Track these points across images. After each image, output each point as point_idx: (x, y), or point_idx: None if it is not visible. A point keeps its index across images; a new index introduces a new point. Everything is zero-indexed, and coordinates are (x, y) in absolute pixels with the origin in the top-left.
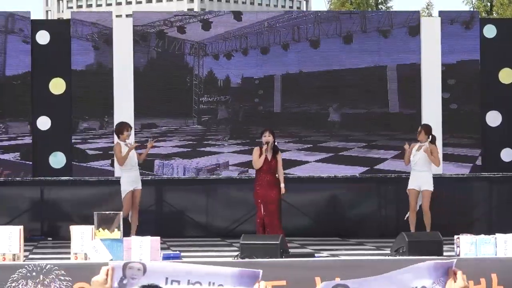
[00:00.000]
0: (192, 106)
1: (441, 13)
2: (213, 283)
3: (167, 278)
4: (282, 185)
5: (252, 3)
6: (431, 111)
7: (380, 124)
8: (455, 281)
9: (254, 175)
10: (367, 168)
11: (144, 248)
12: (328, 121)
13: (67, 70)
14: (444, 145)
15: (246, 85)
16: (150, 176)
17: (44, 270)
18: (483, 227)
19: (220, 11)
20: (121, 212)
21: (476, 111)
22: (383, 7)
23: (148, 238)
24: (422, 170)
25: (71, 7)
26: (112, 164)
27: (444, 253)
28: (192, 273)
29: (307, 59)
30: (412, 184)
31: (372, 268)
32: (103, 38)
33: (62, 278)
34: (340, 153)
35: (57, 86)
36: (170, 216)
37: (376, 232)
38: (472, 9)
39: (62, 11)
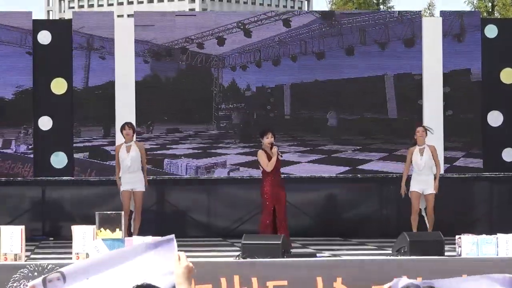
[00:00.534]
0: (212, 113)
1: (442, 13)
2: (128, 258)
3: (88, 279)
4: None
5: (253, 3)
6: (431, 116)
7: (379, 129)
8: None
9: (252, 175)
10: (350, 168)
11: None
12: (329, 126)
13: (69, 70)
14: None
15: (259, 93)
16: (152, 176)
17: (46, 270)
18: (484, 227)
19: (232, 27)
20: (122, 212)
21: (476, 119)
22: (384, 7)
23: (149, 238)
24: (427, 174)
25: (73, 7)
26: None
27: (446, 253)
28: (110, 262)
29: (313, 70)
30: (414, 187)
31: (373, 268)
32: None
33: None
34: (333, 155)
35: (58, 86)
36: (171, 216)
37: (377, 232)
38: (473, 9)
39: (64, 11)
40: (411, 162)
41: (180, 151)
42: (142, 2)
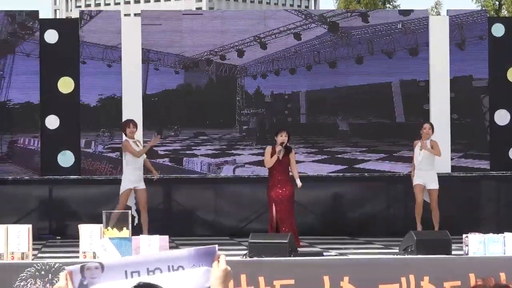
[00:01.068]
0: (235, 118)
1: (449, 12)
2: (172, 266)
3: (126, 271)
4: (298, 180)
5: (260, 2)
6: (439, 120)
7: (388, 132)
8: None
9: (259, 174)
10: (346, 167)
11: (153, 247)
12: (340, 130)
13: (76, 69)
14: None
15: (277, 100)
16: (160, 175)
17: (53, 269)
18: (491, 226)
19: (250, 41)
20: (129, 211)
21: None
22: (390, 6)
23: (156, 237)
24: (427, 169)
25: (80, 6)
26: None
27: (453, 252)
28: (149, 261)
29: (326, 78)
30: (417, 180)
31: (380, 267)
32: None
33: None
34: (345, 157)
35: (65, 85)
36: (178, 215)
37: (384, 230)
38: (480, 8)
39: (71, 10)
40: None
41: (201, 152)
42: (148, 1)
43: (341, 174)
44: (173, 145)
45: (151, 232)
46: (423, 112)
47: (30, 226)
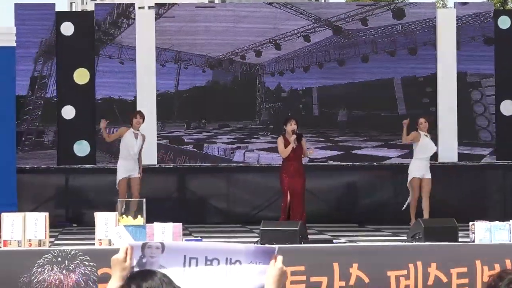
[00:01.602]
0: (255, 111)
1: (456, 5)
2: (230, 259)
3: (185, 256)
4: (309, 150)
5: None
6: (447, 111)
7: (392, 124)
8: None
9: (272, 163)
10: (343, 152)
11: (167, 234)
12: (348, 122)
13: (91, 60)
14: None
15: (293, 94)
16: (172, 164)
17: (69, 255)
18: (497, 213)
19: (266, 43)
20: (144, 200)
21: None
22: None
23: (170, 225)
24: (428, 160)
25: None
26: None
27: (459, 239)
28: (209, 250)
29: (336, 75)
30: (416, 173)
31: (389, 254)
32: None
33: (87, 263)
34: (340, 143)
35: (81, 76)
36: (192, 203)
37: (392, 218)
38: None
39: (86, 3)
40: (411, 138)
41: (221, 140)
42: None
43: (350, 163)
44: (199, 134)
45: (165, 219)
46: (423, 105)
47: (47, 213)
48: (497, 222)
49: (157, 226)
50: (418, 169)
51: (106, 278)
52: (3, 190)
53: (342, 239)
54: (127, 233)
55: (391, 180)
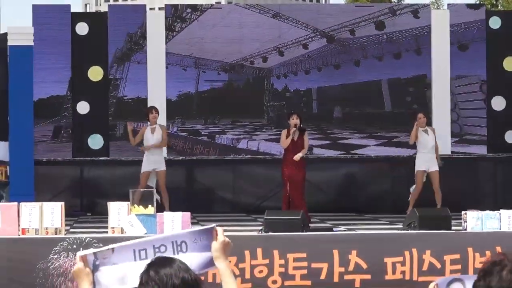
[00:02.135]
0: (263, 109)
1: (449, 6)
2: (176, 242)
3: (134, 250)
4: (299, 154)
5: None
6: (441, 107)
7: (380, 119)
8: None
9: (271, 150)
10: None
11: (176, 223)
12: (342, 119)
13: (105, 58)
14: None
15: (295, 95)
16: (181, 157)
17: (84, 243)
18: (488, 203)
19: (271, 50)
20: (154, 190)
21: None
22: (395, 0)
23: (179, 214)
24: (431, 152)
25: (108, 0)
26: None
27: (452, 228)
28: (155, 240)
29: (332, 77)
30: (421, 167)
31: (386, 241)
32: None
33: None
34: (332, 135)
35: (95, 73)
36: (200, 193)
37: (389, 208)
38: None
39: (100, 4)
40: (414, 139)
41: (232, 133)
42: None
43: (349, 155)
44: (213, 128)
45: (174, 209)
46: (406, 103)
47: (63, 203)
48: (488, 211)
49: (167, 215)
50: (423, 162)
51: None
52: (21, 181)
53: (342, 228)
54: (138, 221)
55: (388, 172)
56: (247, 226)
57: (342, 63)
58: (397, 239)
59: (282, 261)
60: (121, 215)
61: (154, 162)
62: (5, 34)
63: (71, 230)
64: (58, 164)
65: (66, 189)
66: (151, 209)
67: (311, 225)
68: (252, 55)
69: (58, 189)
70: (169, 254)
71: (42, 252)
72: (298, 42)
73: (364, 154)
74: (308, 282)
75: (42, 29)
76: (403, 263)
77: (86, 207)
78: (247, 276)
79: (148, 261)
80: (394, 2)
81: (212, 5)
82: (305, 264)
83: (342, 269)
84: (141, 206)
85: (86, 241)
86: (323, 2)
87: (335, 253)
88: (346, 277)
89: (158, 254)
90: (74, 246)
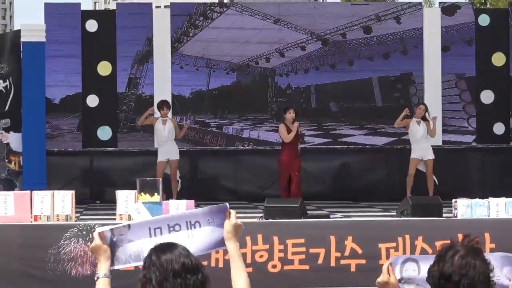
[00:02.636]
0: (267, 105)
1: (441, 5)
2: (190, 222)
3: (149, 228)
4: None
5: None
6: (434, 100)
7: (372, 113)
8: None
9: (270, 139)
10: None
11: (180, 210)
12: (337, 112)
13: (113, 54)
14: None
15: (296, 92)
16: (186, 147)
17: (93, 229)
18: (478, 192)
19: (273, 51)
20: (160, 179)
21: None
22: None
23: (184, 201)
24: (424, 142)
25: None
26: None
27: (444, 215)
28: (170, 218)
29: (329, 75)
30: (415, 154)
31: (380, 228)
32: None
33: None
34: (328, 128)
35: (104, 68)
36: (204, 182)
37: (384, 196)
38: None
39: (108, 3)
40: (402, 124)
41: (238, 126)
42: None
43: (345, 146)
44: (222, 121)
45: (180, 197)
46: (395, 99)
47: (73, 191)
48: (477, 199)
49: (172, 202)
50: (417, 150)
51: None
52: (33, 171)
53: (338, 215)
54: (145, 209)
55: (383, 161)
56: (249, 213)
57: (337, 62)
58: (391, 226)
59: (282, 247)
60: (129, 202)
61: (166, 152)
62: (19, 30)
63: (81, 217)
64: (69, 155)
65: (76, 178)
66: (157, 197)
67: (309, 212)
68: (256, 56)
69: (69, 178)
70: (183, 232)
71: (53, 238)
72: (296, 45)
73: (359, 144)
74: (306, 267)
75: (53, 26)
76: (396, 249)
77: (95, 195)
78: (248, 261)
79: (163, 239)
80: (388, 1)
81: (220, 14)
82: (303, 249)
83: (339, 254)
84: (147, 194)
85: (95, 227)
86: (321, 0)
87: (332, 238)
88: (342, 261)
89: (172, 233)
90: (84, 232)
